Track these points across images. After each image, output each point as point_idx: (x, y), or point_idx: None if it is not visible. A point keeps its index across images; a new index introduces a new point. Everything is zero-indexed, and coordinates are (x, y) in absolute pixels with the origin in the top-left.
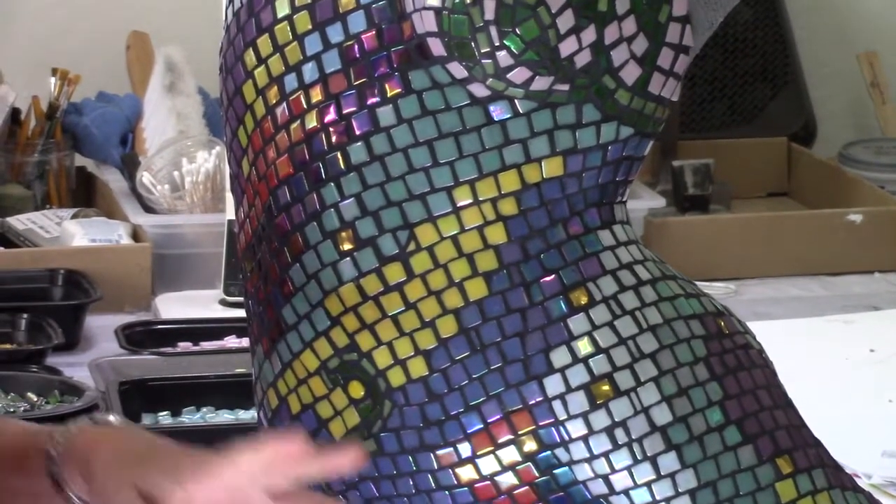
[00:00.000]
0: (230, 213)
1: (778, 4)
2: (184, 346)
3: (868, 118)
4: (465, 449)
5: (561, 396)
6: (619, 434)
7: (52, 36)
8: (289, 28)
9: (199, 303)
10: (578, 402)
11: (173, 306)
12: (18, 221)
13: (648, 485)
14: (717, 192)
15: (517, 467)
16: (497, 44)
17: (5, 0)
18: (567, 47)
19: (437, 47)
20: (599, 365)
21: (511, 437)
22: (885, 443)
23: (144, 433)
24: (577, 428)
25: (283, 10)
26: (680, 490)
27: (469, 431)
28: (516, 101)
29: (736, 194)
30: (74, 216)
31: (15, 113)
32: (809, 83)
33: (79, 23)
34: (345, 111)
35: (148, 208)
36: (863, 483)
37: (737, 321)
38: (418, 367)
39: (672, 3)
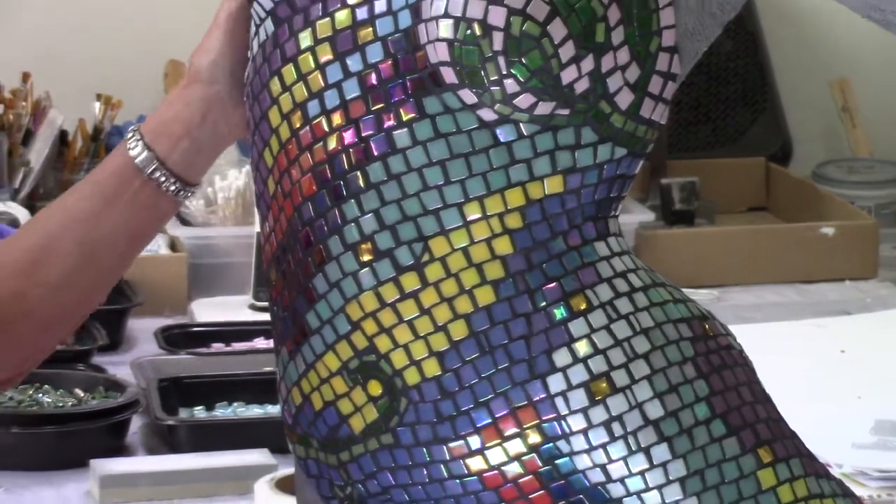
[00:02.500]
0: (258, 226)
1: (756, 35)
2: (217, 346)
3: (839, 140)
4: (474, 441)
5: (563, 393)
6: (616, 427)
7: (96, 64)
8: (311, 58)
9: (231, 307)
10: (579, 398)
11: (207, 310)
12: None
13: (642, 473)
14: (701, 207)
15: (522, 458)
16: (505, 72)
17: (53, 31)
18: (568, 75)
19: (449, 75)
20: (597, 364)
21: (517, 430)
22: (855, 436)
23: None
24: (577, 422)
25: (306, 41)
26: (671, 478)
27: (479, 425)
28: (521, 124)
29: (719, 209)
30: None
31: (63, 135)
32: (786, 108)
33: (121, 52)
34: (364, 134)
35: (184, 221)
36: (835, 472)
37: (720, 324)
38: (432, 368)
39: (661, 35)
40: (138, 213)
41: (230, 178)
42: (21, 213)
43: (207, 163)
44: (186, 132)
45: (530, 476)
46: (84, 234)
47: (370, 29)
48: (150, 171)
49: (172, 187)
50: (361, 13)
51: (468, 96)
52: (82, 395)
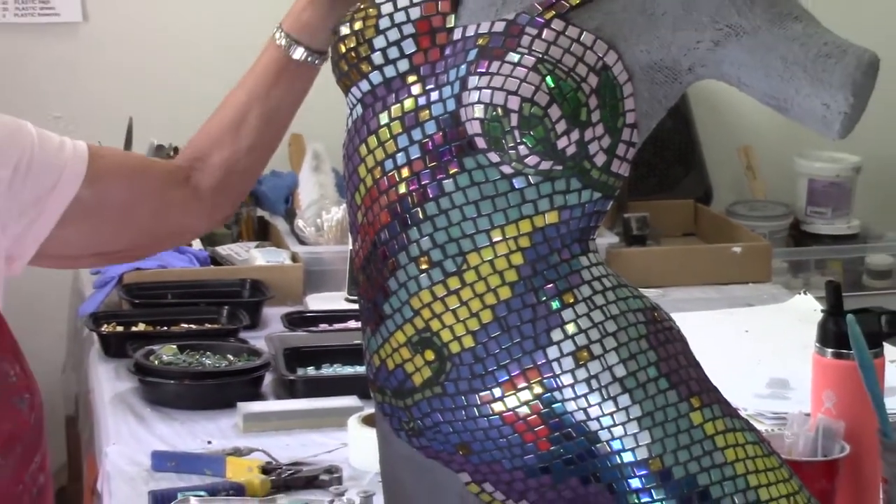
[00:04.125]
0: (351, 245)
1: (688, 117)
2: (323, 326)
3: (744, 188)
4: (497, 392)
5: (557, 359)
6: (593, 383)
7: None
8: (388, 131)
9: (333, 300)
10: (568, 363)
11: (316, 302)
12: (222, 249)
13: (611, 414)
14: (651, 233)
15: (530, 403)
16: (519, 141)
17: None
18: (562, 143)
19: (481, 143)
20: (581, 340)
21: (526, 384)
22: (756, 389)
23: None
24: (567, 379)
25: (384, 119)
26: (630, 417)
27: (500, 381)
28: (529, 176)
29: (663, 235)
30: (257, 246)
31: None
32: (708, 166)
33: None
34: (423, 182)
35: (301, 242)
36: (742, 413)
37: (664, 312)
38: (468, 341)
39: (625, 116)
40: (293, 83)
41: (332, 212)
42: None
43: (326, 31)
44: (312, 21)
45: (535, 415)
46: (262, 106)
47: (427, 111)
48: (294, 52)
49: (310, 58)
50: (422, 101)
51: (494, 157)
52: (232, 358)
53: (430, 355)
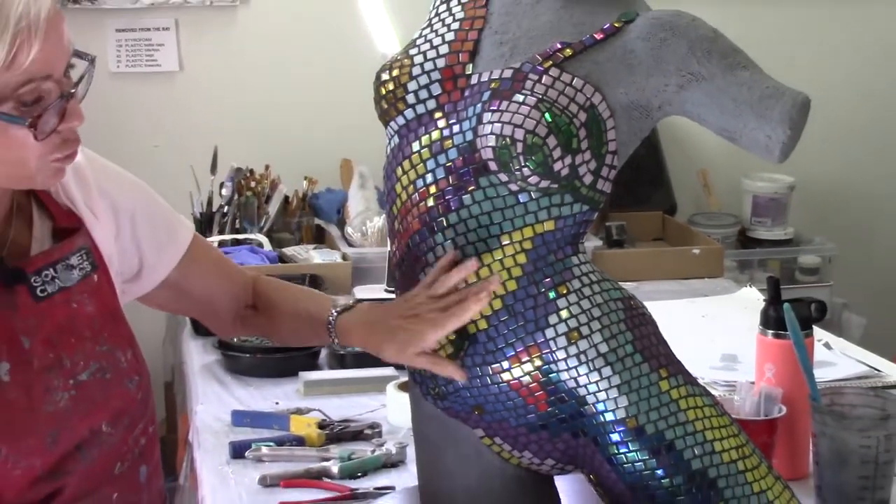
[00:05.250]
0: (389, 247)
1: (657, 145)
2: None
3: (702, 203)
4: (505, 364)
5: (553, 338)
6: (582, 357)
7: (303, 161)
8: (419, 157)
9: (374, 291)
10: (562, 341)
11: (361, 292)
12: (287, 250)
13: (596, 382)
14: (628, 238)
15: (531, 373)
16: (523, 164)
17: (282, 142)
18: (557, 166)
19: (493, 166)
20: (572, 323)
21: (528, 358)
22: (710, 362)
23: (377, 309)
24: (561, 354)
25: (415, 147)
26: (611, 385)
27: (507, 356)
28: (531, 192)
29: (637, 240)
30: (314, 248)
31: (286, 198)
32: (673, 185)
33: (317, 154)
34: (447, 197)
35: (350, 244)
36: (700, 381)
37: (639, 301)
38: (482, 324)
39: (608, 144)
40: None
41: (375, 220)
42: (264, 240)
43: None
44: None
45: (535, 383)
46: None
47: (450, 140)
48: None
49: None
50: (446, 132)
51: (503, 177)
52: None
53: (451, 335)
